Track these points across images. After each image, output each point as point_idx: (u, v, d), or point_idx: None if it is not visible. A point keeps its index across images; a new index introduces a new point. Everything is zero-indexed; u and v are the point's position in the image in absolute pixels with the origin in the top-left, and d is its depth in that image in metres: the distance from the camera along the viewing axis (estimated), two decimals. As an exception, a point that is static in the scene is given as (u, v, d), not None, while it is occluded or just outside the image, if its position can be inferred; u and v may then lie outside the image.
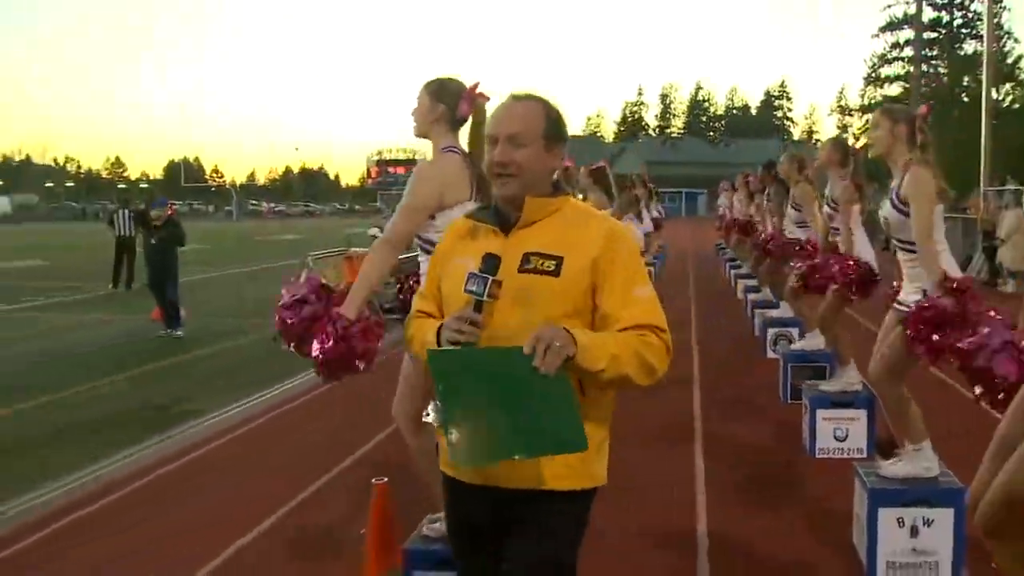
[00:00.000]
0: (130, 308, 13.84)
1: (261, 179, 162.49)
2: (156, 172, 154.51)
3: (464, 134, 4.27)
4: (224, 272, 24.54)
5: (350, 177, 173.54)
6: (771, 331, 10.58)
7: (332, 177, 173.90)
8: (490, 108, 3.17)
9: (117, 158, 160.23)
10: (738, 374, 9.75)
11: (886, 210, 5.03)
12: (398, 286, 4.83)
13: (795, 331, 9.96)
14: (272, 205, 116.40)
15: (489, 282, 2.61)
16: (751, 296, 13.30)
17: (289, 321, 4.11)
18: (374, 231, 17.12)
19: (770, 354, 10.21)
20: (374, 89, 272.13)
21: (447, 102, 4.19)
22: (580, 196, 8.47)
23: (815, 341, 8.19)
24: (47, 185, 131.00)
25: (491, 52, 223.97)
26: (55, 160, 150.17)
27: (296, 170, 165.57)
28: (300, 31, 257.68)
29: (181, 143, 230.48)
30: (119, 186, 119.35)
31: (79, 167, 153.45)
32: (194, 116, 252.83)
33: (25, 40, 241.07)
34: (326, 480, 6.33)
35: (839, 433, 6.59)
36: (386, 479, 4.56)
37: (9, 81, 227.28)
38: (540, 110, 2.79)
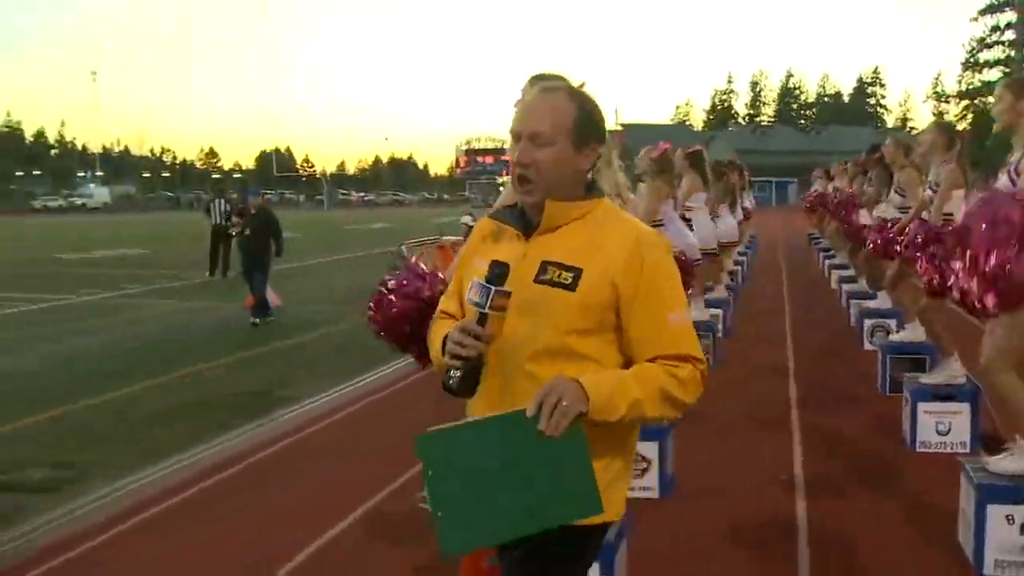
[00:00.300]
0: (226, 296, 14.15)
1: (351, 168, 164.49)
2: (248, 162, 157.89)
3: None
4: (316, 261, 24.90)
5: (439, 166, 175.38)
6: (868, 322, 10.33)
7: (421, 166, 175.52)
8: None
9: (211, 149, 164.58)
10: (834, 365, 9.56)
11: (1002, 183, 4.86)
12: None
13: (892, 322, 9.72)
14: (361, 194, 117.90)
15: (492, 293, 2.34)
16: (846, 287, 13.03)
17: (393, 309, 4.13)
18: (467, 219, 17.18)
19: (867, 345, 9.96)
20: (463, 79, 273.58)
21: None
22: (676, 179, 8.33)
23: (915, 333, 8.00)
24: (144, 176, 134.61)
25: (580, 41, 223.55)
26: (152, 151, 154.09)
27: (385, 160, 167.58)
28: (390, 21, 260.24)
29: (272, 133, 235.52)
30: (213, 176, 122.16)
31: (174, 158, 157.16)
32: (285, 107, 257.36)
33: (124, 36, 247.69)
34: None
35: (941, 427, 6.41)
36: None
37: (109, 76, 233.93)
38: (570, 103, 2.47)
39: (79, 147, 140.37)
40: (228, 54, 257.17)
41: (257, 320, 13.37)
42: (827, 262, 17.55)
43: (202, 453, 6.92)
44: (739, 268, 15.29)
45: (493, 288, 2.34)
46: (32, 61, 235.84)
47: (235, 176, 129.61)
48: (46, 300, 16.88)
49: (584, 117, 2.47)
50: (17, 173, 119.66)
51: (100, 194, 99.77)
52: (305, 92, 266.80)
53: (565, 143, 2.43)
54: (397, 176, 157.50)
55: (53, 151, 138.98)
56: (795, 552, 4.75)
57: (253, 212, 14.03)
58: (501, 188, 4.14)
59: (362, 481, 5.97)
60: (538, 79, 3.07)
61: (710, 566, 4.64)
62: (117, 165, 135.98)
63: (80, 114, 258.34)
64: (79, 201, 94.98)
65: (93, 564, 4.91)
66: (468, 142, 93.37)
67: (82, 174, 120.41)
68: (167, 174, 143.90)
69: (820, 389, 8.39)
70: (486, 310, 2.34)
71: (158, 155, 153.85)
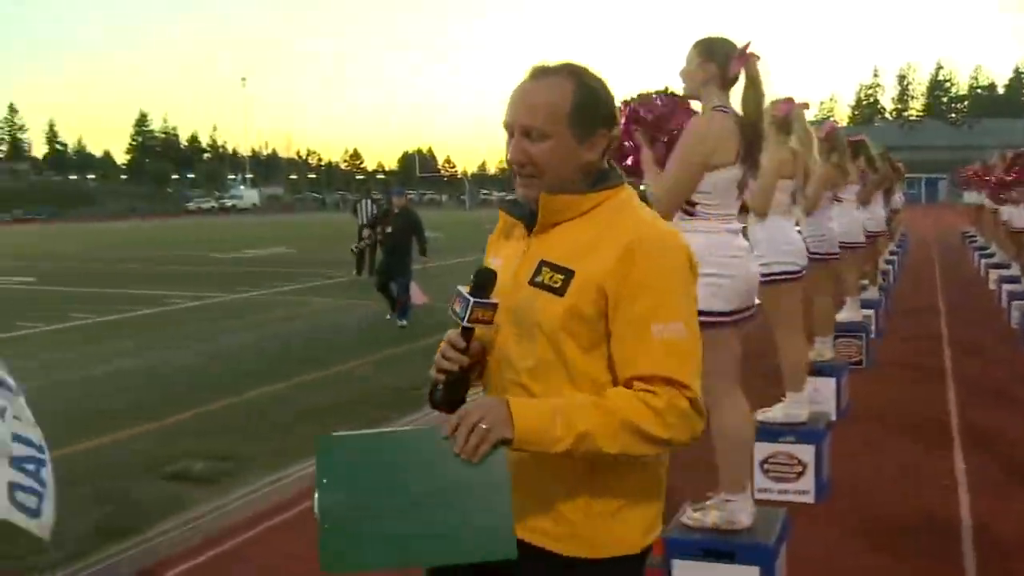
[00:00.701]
0: (373, 294, 14.46)
1: (491, 169, 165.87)
2: (391, 163, 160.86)
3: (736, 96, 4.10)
4: (459, 260, 25.20)
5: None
6: (1031, 322, 9.92)
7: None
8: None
9: (355, 150, 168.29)
10: (994, 366, 9.20)
11: None
12: None
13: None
14: (502, 194, 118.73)
15: (471, 305, 2.07)
16: (1006, 287, 12.52)
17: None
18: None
19: (1030, 346, 9.58)
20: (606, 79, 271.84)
21: (717, 61, 4.05)
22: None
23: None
24: (291, 177, 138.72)
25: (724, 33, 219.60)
26: (298, 153, 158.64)
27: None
28: (531, 20, 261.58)
29: (415, 134, 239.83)
30: (357, 177, 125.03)
31: (320, 160, 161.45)
32: (427, 108, 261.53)
33: (272, 44, 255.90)
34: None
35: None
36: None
37: (258, 82, 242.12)
38: (566, 89, 2.11)
39: (230, 151, 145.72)
40: (370, 56, 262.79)
41: (404, 322, 13.45)
42: (983, 261, 16.89)
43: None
44: (891, 267, 14.84)
45: (472, 300, 2.08)
46: (186, 68, 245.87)
47: (378, 177, 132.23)
48: (201, 297, 17.56)
49: (584, 100, 2.11)
50: (173, 176, 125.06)
51: (250, 196, 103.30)
52: (446, 93, 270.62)
53: (564, 134, 2.10)
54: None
55: (206, 155, 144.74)
56: (959, 556, 4.60)
57: (396, 212, 14.26)
58: (642, 187, 4.06)
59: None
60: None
61: (870, 571, 4.52)
62: (266, 168, 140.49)
63: (231, 119, 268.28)
64: (230, 203, 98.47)
65: (239, 559, 5.03)
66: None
67: (233, 176, 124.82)
68: (313, 176, 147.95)
69: (979, 390, 8.09)
70: (465, 323, 2.08)
71: (304, 158, 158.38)
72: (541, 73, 2.15)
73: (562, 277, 2.08)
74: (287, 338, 12.83)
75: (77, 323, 14.51)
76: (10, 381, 3.99)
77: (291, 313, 15.38)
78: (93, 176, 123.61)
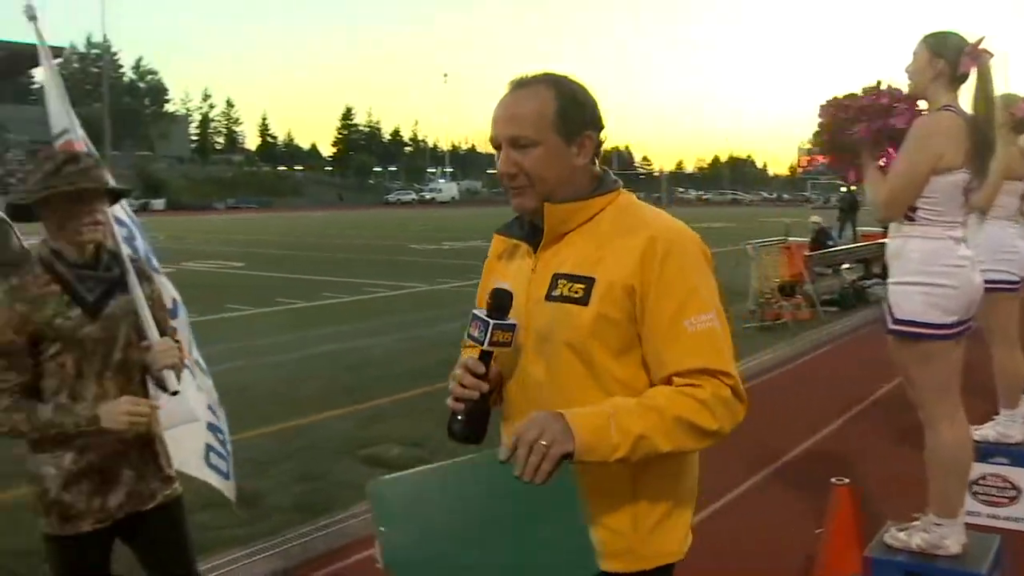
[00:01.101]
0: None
1: (689, 167, 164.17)
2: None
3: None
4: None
5: (778, 166, 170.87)
6: None
7: (760, 166, 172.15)
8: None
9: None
10: None
11: None
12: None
13: None
14: (699, 193, 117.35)
15: (491, 328, 1.98)
16: None
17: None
18: (815, 219, 16.54)
19: None
20: (806, 77, 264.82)
21: (948, 57, 3.75)
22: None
23: None
24: (488, 172, 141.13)
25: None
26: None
27: (724, 159, 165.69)
28: (731, 20, 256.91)
29: (613, 132, 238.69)
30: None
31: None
32: (626, 105, 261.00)
33: (471, 41, 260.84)
34: (774, 469, 6.19)
35: None
36: (847, 480, 4.19)
37: (459, 78, 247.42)
38: (547, 96, 2.08)
39: (431, 145, 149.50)
40: (569, 54, 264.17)
41: None
42: None
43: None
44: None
45: (492, 322, 1.98)
46: (390, 64, 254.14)
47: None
48: (400, 287, 18.03)
49: (567, 104, 2.09)
50: (375, 169, 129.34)
51: (449, 189, 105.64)
52: (645, 92, 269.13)
53: (552, 139, 2.07)
54: (735, 175, 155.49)
55: (407, 148, 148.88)
56: None
57: None
58: (842, 190, 3.82)
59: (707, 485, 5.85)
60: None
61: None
62: (464, 162, 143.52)
63: (432, 114, 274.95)
64: (429, 195, 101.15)
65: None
66: (811, 142, 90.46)
67: (432, 170, 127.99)
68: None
69: None
70: (486, 347, 1.99)
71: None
72: (520, 84, 2.12)
73: (582, 286, 2.04)
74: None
75: (282, 307, 15.17)
76: (203, 363, 4.25)
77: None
78: (300, 168, 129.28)
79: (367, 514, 5.43)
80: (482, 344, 1.99)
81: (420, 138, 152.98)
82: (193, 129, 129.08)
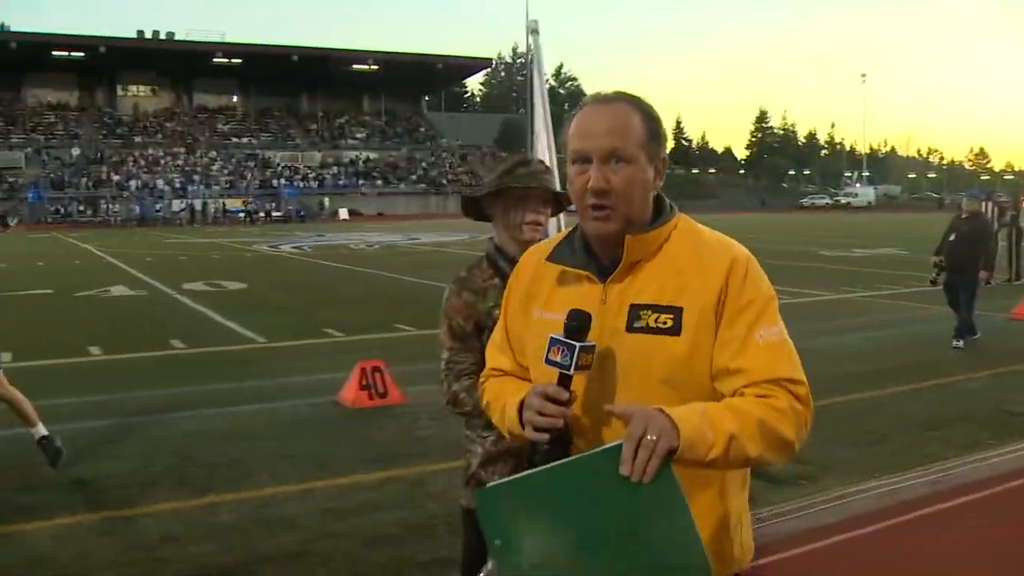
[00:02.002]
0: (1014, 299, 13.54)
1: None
2: (1022, 163, 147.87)
3: None
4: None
5: None
6: None
7: None
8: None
9: (981, 149, 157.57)
10: None
11: None
12: None
13: None
14: None
15: (577, 351, 1.92)
16: None
17: None
18: None
19: None
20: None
21: None
22: None
23: None
24: (909, 176, 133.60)
25: None
26: (918, 152, 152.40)
27: None
28: None
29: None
30: (982, 177, 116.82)
31: (942, 158, 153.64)
32: None
33: (893, 37, 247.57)
34: None
35: None
36: None
37: (879, 77, 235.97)
38: (635, 115, 2.07)
39: (847, 148, 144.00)
40: (996, 49, 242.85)
41: (960, 343, 11.73)
42: None
43: (955, 469, 6.50)
44: None
45: (578, 345, 1.93)
46: (804, 64, 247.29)
47: (1006, 178, 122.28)
48: (802, 294, 17.45)
49: (653, 126, 2.09)
50: (789, 172, 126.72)
51: (865, 193, 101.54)
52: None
53: (642, 159, 2.06)
54: None
55: (823, 152, 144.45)
56: None
57: (964, 216, 12.48)
58: None
59: None
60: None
61: None
62: (882, 165, 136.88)
63: (849, 116, 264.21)
64: (844, 200, 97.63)
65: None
66: None
67: (848, 174, 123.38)
68: (933, 175, 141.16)
69: None
70: (571, 372, 1.93)
71: (925, 156, 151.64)
72: (605, 100, 2.10)
73: (670, 316, 2.03)
74: (883, 342, 12.29)
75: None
76: None
77: (891, 318, 14.74)
78: (713, 171, 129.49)
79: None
80: (568, 369, 1.95)
81: (836, 141, 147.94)
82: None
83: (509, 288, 2.39)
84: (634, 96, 2.14)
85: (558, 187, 3.31)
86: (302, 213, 68.77)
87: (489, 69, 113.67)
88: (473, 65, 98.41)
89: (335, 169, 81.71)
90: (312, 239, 41.37)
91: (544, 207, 3.14)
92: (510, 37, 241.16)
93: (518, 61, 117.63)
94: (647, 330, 2.05)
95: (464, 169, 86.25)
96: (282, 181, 75.64)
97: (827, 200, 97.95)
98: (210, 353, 12.04)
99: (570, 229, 2.29)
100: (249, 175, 77.28)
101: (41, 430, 6.72)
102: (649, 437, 1.77)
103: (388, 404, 8.67)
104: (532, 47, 3.69)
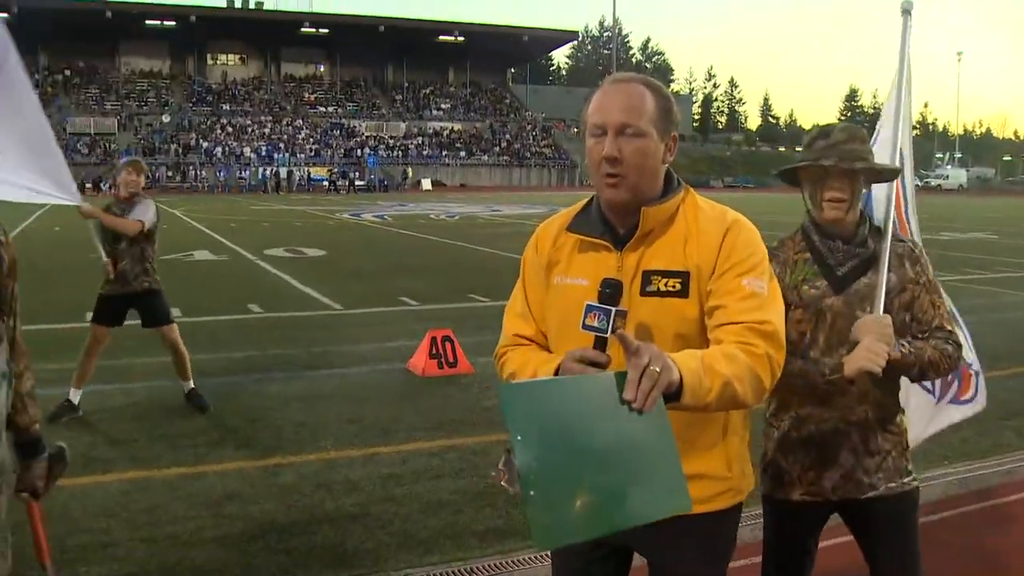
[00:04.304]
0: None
1: None
2: None
3: None
4: None
5: None
6: None
7: None
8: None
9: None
10: None
11: None
12: None
13: None
14: None
15: (613, 315, 2.08)
16: None
17: None
18: None
19: None
20: None
21: None
22: None
23: None
24: (1005, 159, 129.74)
25: None
26: (1015, 133, 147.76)
27: None
28: None
29: None
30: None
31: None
32: None
33: (979, 15, 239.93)
34: None
35: None
36: None
37: (975, 57, 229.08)
38: (648, 95, 2.30)
39: (940, 128, 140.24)
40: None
41: None
42: None
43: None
44: None
45: (614, 310, 2.09)
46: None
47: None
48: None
49: (665, 105, 2.32)
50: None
51: (956, 176, 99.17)
52: None
53: (653, 134, 2.28)
54: None
55: (915, 132, 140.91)
56: None
57: None
58: None
59: None
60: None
61: None
62: (977, 147, 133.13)
63: (944, 96, 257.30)
64: (934, 182, 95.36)
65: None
66: None
67: (940, 155, 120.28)
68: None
69: None
70: (608, 335, 2.08)
71: (1022, 138, 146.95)
72: (623, 81, 2.33)
73: (678, 280, 2.27)
74: (968, 328, 11.91)
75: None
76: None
77: (977, 303, 14.33)
78: (800, 149, 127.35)
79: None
80: (605, 333, 2.09)
81: (929, 121, 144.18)
82: (696, 108, 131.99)
83: (526, 259, 2.56)
84: (649, 79, 2.36)
85: (888, 159, 3.21)
86: (385, 183, 69.43)
87: (575, 42, 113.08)
88: (559, 38, 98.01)
89: (419, 140, 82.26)
90: (394, 208, 41.74)
91: (848, 183, 2.90)
92: (597, 10, 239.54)
93: (605, 34, 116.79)
94: (658, 294, 2.28)
95: (547, 142, 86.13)
96: (366, 151, 76.34)
97: (917, 182, 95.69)
98: (286, 318, 12.22)
99: (586, 201, 2.49)
100: (334, 144, 78.19)
101: (191, 384, 7.50)
102: (653, 368, 1.91)
103: (457, 373, 8.72)
104: (904, 28, 3.44)
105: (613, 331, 2.07)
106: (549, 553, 2.78)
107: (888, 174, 3.06)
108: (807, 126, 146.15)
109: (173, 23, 78.38)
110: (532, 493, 1.90)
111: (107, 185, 58.90)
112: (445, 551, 4.78)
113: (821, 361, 2.88)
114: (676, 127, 2.37)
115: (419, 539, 4.93)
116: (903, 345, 2.84)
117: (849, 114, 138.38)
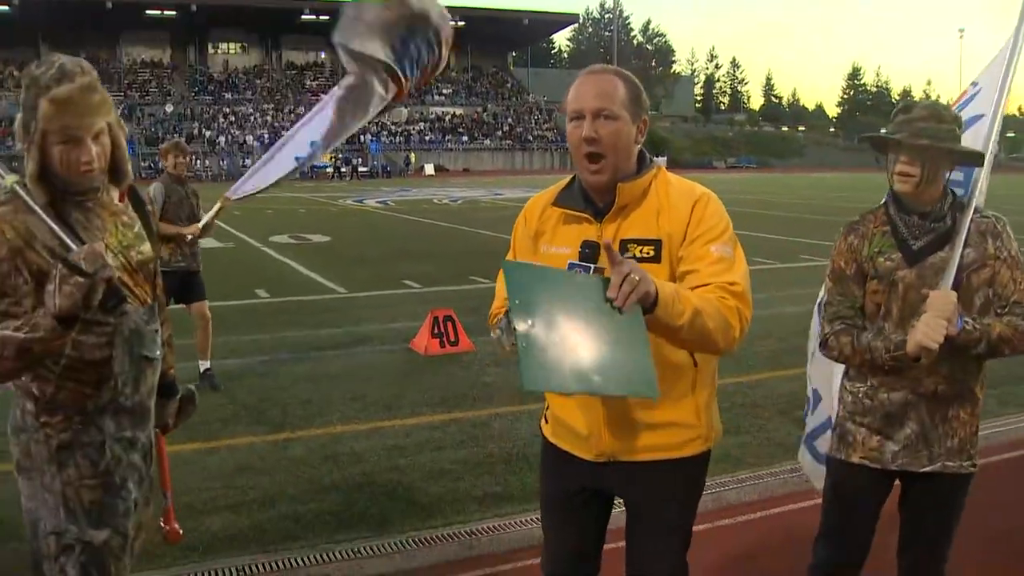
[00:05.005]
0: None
1: None
2: None
3: None
4: None
5: None
6: None
7: None
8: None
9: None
10: None
11: None
12: None
13: None
14: None
15: (592, 271, 2.47)
16: None
17: None
18: None
19: None
20: None
21: None
22: None
23: None
24: (1008, 135, 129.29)
25: None
26: (1019, 110, 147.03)
27: None
28: None
29: None
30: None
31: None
32: None
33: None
34: None
35: None
36: None
37: (976, 33, 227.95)
38: (619, 83, 2.62)
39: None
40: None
41: None
42: None
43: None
44: None
45: (592, 267, 2.48)
46: (902, 21, 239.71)
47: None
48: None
49: (635, 92, 2.62)
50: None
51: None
52: None
53: (626, 117, 2.58)
54: None
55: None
56: None
57: None
58: None
59: None
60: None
61: None
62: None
63: (946, 72, 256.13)
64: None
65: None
66: None
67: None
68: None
69: None
70: None
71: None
72: (598, 72, 2.66)
73: (651, 247, 2.58)
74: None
75: (760, 267, 15.21)
76: None
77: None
78: (803, 128, 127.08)
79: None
80: None
81: (933, 97, 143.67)
82: (698, 89, 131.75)
83: (517, 229, 2.91)
84: (620, 70, 2.68)
85: (981, 143, 3.23)
86: (388, 169, 69.53)
87: (576, 25, 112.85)
88: (560, 21, 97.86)
89: (421, 125, 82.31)
90: (397, 194, 41.94)
91: (918, 158, 2.93)
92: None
93: (606, 16, 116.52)
94: (635, 260, 2.48)
95: (549, 126, 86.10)
96: (369, 137, 76.46)
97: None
98: (292, 302, 12.48)
99: (570, 178, 2.82)
100: (336, 131, 78.10)
101: (208, 363, 7.98)
102: (634, 276, 2.22)
103: (458, 352, 8.99)
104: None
105: None
106: (540, 502, 3.01)
107: (971, 157, 3.10)
108: (810, 106, 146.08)
109: (173, 12, 78.38)
110: (525, 346, 2.21)
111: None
112: (446, 515, 5.06)
113: (887, 337, 2.93)
114: (646, 112, 2.67)
115: (421, 504, 5.21)
116: (967, 321, 2.83)
117: (852, 92, 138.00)
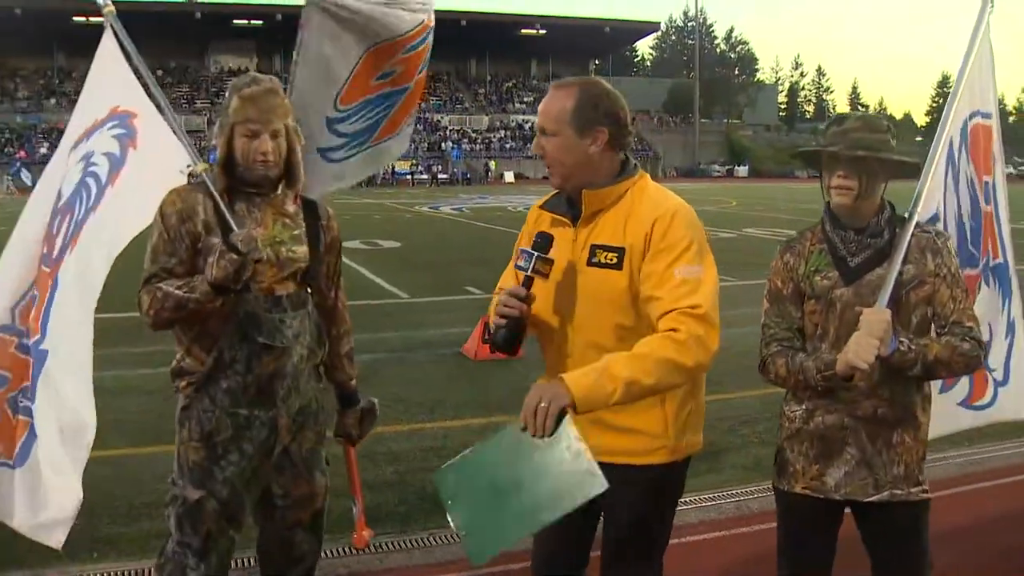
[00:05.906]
0: None
1: None
2: None
3: None
4: None
5: None
6: None
7: None
8: None
9: None
10: None
11: None
12: None
13: None
14: None
15: (535, 258, 2.62)
16: None
17: None
18: None
19: None
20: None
21: None
22: None
23: None
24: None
25: None
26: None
27: None
28: None
29: None
30: None
31: None
32: None
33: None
34: None
35: None
36: None
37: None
38: (570, 95, 2.69)
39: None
40: None
41: None
42: None
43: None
44: None
45: (536, 254, 2.63)
46: (999, 26, 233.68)
47: None
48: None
49: (583, 105, 2.68)
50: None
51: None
52: None
53: (567, 132, 2.69)
54: None
55: (1011, 118, 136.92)
56: None
57: None
58: None
59: None
60: None
61: None
62: (1013, 131, 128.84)
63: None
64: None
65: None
66: None
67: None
68: None
69: None
70: (529, 273, 2.63)
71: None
72: (556, 87, 2.78)
73: (615, 255, 2.66)
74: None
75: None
76: None
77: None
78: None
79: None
80: (527, 271, 2.65)
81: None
82: (782, 97, 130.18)
83: (522, 233, 3.04)
84: (586, 80, 2.78)
85: (887, 153, 2.90)
86: (468, 176, 70.02)
87: (658, 33, 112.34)
88: (641, 29, 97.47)
89: (502, 133, 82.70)
90: (473, 201, 42.24)
91: (855, 171, 2.82)
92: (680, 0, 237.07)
93: (689, 24, 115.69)
94: (600, 265, 2.68)
95: (632, 134, 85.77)
96: (450, 144, 77.07)
97: (1011, 170, 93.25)
98: (353, 306, 12.53)
99: None
100: (418, 138, 78.99)
101: None
102: (542, 404, 2.33)
103: (508, 357, 9.07)
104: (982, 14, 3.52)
105: (534, 271, 2.64)
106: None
107: (908, 168, 2.99)
108: (898, 114, 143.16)
109: (260, 22, 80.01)
110: (463, 534, 2.41)
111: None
112: (471, 515, 5.19)
113: (819, 356, 2.84)
114: (603, 121, 2.71)
115: (447, 504, 5.35)
116: (901, 341, 2.72)
117: (940, 100, 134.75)
